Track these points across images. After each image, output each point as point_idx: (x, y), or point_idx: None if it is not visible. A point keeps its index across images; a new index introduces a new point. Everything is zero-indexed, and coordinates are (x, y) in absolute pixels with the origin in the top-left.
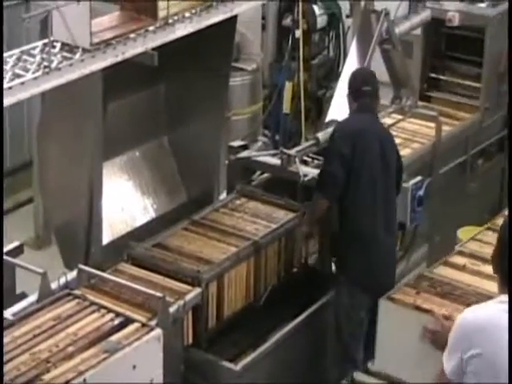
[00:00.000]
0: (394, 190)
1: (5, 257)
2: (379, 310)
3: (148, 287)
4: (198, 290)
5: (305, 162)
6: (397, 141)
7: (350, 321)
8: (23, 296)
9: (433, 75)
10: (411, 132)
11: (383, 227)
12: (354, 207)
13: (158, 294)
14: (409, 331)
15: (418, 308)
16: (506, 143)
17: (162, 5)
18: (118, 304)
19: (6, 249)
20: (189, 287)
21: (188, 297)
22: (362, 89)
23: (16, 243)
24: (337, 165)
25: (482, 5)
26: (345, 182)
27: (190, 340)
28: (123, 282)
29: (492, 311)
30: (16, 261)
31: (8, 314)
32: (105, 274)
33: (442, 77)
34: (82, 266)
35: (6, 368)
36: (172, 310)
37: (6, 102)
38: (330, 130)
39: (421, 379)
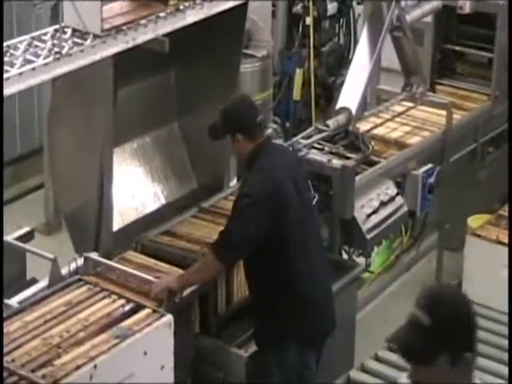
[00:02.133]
0: (314, 217)
1: (15, 242)
2: (466, 246)
3: (154, 275)
4: None
5: (313, 148)
6: (407, 128)
7: (304, 374)
8: (33, 281)
9: (443, 63)
10: (421, 120)
11: (319, 266)
12: (289, 263)
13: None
14: (493, 263)
15: (500, 242)
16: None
17: None
18: (124, 292)
19: (16, 234)
20: None
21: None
22: (257, 121)
23: (26, 229)
24: (244, 229)
25: None
26: (248, 251)
27: (198, 327)
28: (129, 270)
29: None
30: (26, 246)
31: (18, 299)
32: (111, 263)
33: (452, 64)
34: (88, 254)
35: (18, 353)
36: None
37: (17, 87)
38: (340, 117)
39: (504, 305)
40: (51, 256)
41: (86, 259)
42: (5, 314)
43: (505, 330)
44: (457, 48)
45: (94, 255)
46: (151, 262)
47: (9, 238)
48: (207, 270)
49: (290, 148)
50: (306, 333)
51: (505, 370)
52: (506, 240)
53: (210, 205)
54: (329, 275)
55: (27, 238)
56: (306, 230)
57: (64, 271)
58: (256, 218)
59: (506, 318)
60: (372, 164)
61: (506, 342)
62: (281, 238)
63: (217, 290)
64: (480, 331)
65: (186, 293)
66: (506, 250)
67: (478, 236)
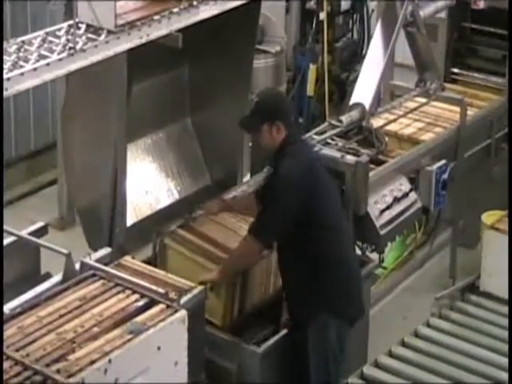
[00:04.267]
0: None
1: (29, 237)
2: (484, 239)
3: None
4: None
5: (327, 144)
6: (420, 125)
7: (338, 355)
8: (48, 276)
9: (457, 58)
10: (435, 116)
11: (350, 247)
12: (328, 237)
13: (161, 291)
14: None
15: None
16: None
17: None
18: None
19: (30, 229)
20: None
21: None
22: (289, 111)
23: (41, 223)
24: (282, 212)
25: None
26: (284, 230)
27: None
28: (126, 276)
29: None
30: (40, 241)
31: (33, 293)
32: (107, 268)
33: (466, 60)
34: (85, 260)
35: (32, 347)
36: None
37: (32, 83)
38: (354, 112)
39: None
40: (65, 251)
41: (83, 264)
42: (19, 309)
43: None
44: (471, 44)
45: (90, 259)
46: (147, 268)
47: (23, 232)
48: (247, 252)
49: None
50: (346, 310)
51: None
52: None
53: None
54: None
55: (41, 232)
56: (339, 209)
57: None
58: (292, 199)
59: None
60: (383, 162)
61: None
62: (320, 208)
63: (233, 286)
64: (502, 318)
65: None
66: None
67: (497, 229)
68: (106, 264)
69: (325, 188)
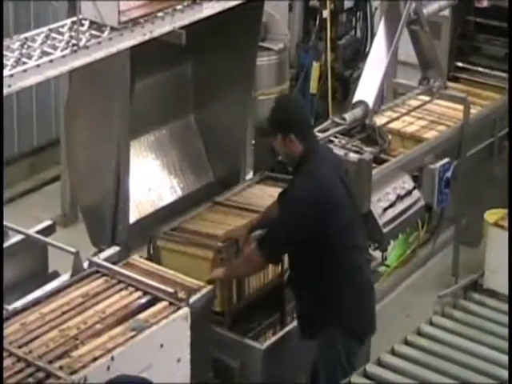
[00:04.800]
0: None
1: (37, 235)
2: (488, 235)
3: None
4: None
5: (330, 142)
6: (423, 123)
7: (347, 368)
8: (56, 275)
9: (461, 56)
10: (438, 114)
11: (366, 264)
12: (345, 256)
13: (170, 290)
14: None
15: None
16: None
17: None
18: None
19: (37, 227)
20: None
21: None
22: (310, 121)
23: (48, 222)
24: (291, 232)
25: None
26: (290, 249)
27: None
28: (134, 275)
29: None
30: (48, 239)
31: (41, 292)
32: (116, 267)
33: (469, 58)
34: (93, 259)
35: (35, 344)
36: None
37: (35, 79)
38: (357, 110)
39: None
40: (73, 250)
41: (91, 263)
42: (22, 306)
43: None
44: (474, 41)
45: (98, 258)
46: (155, 267)
47: (30, 231)
48: (250, 263)
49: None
50: (355, 328)
51: None
52: None
53: (225, 198)
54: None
55: (49, 231)
56: (356, 223)
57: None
58: (299, 222)
59: None
60: (385, 160)
61: None
62: (336, 231)
63: (230, 282)
64: (506, 317)
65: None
66: None
67: (501, 227)
68: (114, 263)
69: (338, 209)
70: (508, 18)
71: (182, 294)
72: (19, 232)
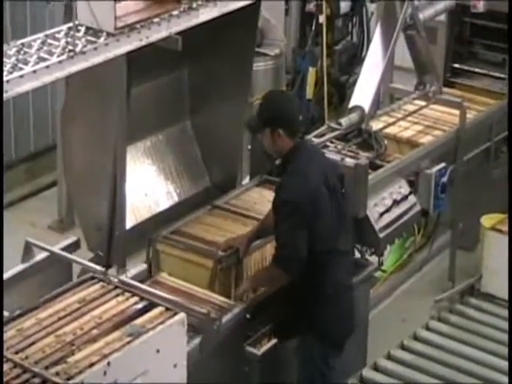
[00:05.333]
0: (347, 216)
1: (62, 252)
2: (485, 240)
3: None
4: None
5: (326, 147)
6: (419, 128)
7: (326, 372)
8: None
9: (457, 61)
10: (434, 119)
11: (345, 268)
12: (320, 261)
13: (203, 310)
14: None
15: None
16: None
17: None
18: None
19: (62, 244)
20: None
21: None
22: (300, 119)
23: (73, 238)
24: (299, 236)
25: None
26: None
27: None
28: (164, 295)
29: None
30: (73, 257)
31: None
32: (144, 286)
33: (466, 63)
34: (121, 277)
35: (32, 350)
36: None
37: (31, 85)
38: (353, 115)
39: None
40: (101, 268)
41: (120, 282)
42: (19, 311)
43: None
44: (470, 46)
45: (126, 276)
46: (182, 284)
47: (55, 248)
48: (275, 282)
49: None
50: (332, 332)
51: None
52: None
53: (223, 202)
54: (352, 276)
55: (73, 247)
56: (338, 227)
57: None
58: (301, 222)
59: None
60: (380, 166)
61: None
62: (314, 235)
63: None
64: (502, 321)
65: None
66: None
67: (499, 231)
68: (141, 281)
69: (320, 212)
70: (508, 20)
71: (213, 314)
72: (44, 249)
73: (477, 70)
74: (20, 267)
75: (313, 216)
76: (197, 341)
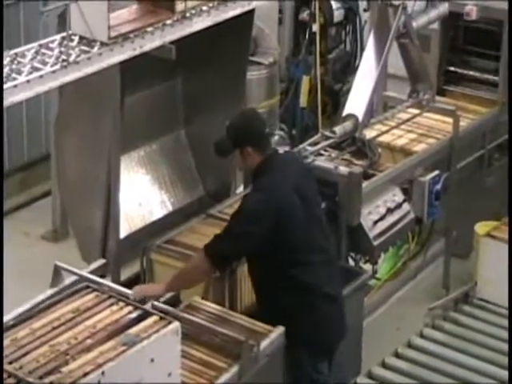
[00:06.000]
0: (323, 224)
1: (90, 276)
2: (480, 246)
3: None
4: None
5: (320, 155)
6: (413, 136)
7: (316, 378)
8: None
9: (450, 69)
10: (428, 127)
11: (327, 274)
12: (296, 271)
13: (241, 338)
14: (507, 264)
15: None
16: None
17: None
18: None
19: (91, 267)
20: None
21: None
22: (266, 133)
23: (102, 261)
24: (240, 241)
25: None
26: (238, 260)
27: None
28: (200, 321)
29: None
30: (102, 280)
31: None
32: (177, 311)
33: (459, 71)
34: (154, 302)
35: (26, 359)
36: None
37: (25, 95)
38: (347, 123)
39: None
40: (130, 292)
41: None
42: (13, 321)
43: None
44: (463, 54)
45: (159, 301)
46: (217, 308)
47: (84, 272)
48: (196, 269)
49: (298, 155)
50: (317, 339)
51: None
52: None
53: (217, 211)
54: (338, 282)
55: (102, 270)
56: (313, 239)
57: None
58: (248, 235)
59: None
60: (373, 175)
61: None
62: (285, 248)
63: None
64: (496, 329)
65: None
66: None
67: (493, 237)
68: (173, 305)
69: (289, 225)
70: (508, 22)
71: (251, 341)
72: (73, 273)
73: (470, 77)
74: (49, 292)
75: (281, 228)
76: (235, 368)
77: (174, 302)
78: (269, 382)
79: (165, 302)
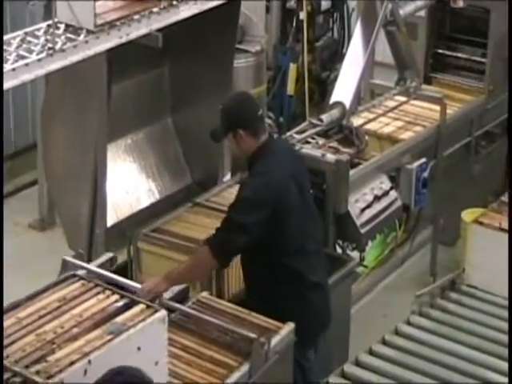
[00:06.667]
0: (315, 212)
1: (98, 270)
2: (467, 233)
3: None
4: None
5: (307, 143)
6: (400, 123)
7: (305, 364)
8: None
9: (437, 57)
10: (414, 114)
11: (317, 263)
12: (288, 259)
13: (252, 335)
14: (494, 250)
15: (502, 230)
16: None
17: None
18: (203, 345)
19: (99, 261)
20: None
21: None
22: (258, 114)
23: (109, 255)
24: (242, 232)
25: None
26: (243, 250)
27: None
28: (210, 318)
29: None
30: (111, 274)
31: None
32: (185, 308)
33: (446, 59)
34: (164, 300)
35: (12, 349)
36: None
37: (10, 83)
38: (334, 111)
39: (506, 290)
40: (138, 285)
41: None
42: None
43: (507, 314)
44: (451, 42)
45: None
46: (225, 305)
47: (91, 266)
48: (203, 267)
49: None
50: (306, 327)
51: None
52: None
53: (204, 199)
54: (325, 271)
55: (110, 263)
56: (306, 227)
57: None
58: (252, 224)
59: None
60: (363, 160)
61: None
62: (280, 236)
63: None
64: (483, 316)
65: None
66: (508, 236)
67: (481, 223)
68: (181, 302)
69: (286, 212)
70: (508, 19)
71: (262, 339)
72: (81, 267)
73: (457, 65)
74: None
75: (278, 214)
76: (246, 367)
77: (182, 297)
78: (279, 378)
79: (172, 299)
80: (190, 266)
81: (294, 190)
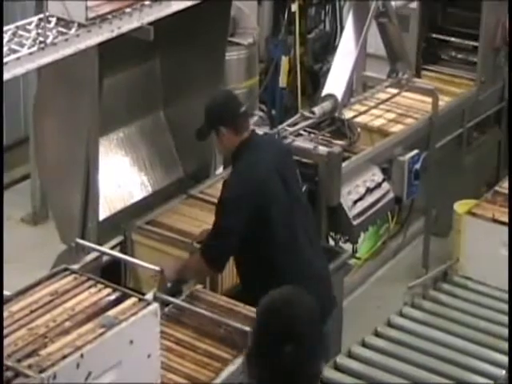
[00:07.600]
0: (304, 204)
1: (112, 252)
2: (461, 224)
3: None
4: None
5: (299, 135)
6: (392, 116)
7: None
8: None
9: (429, 48)
10: (407, 106)
11: (310, 253)
12: (276, 253)
13: (246, 328)
14: (488, 241)
15: (496, 221)
16: (502, 117)
17: None
18: (197, 338)
19: (111, 243)
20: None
21: None
22: (240, 112)
23: (121, 237)
24: (231, 233)
25: None
26: (234, 252)
27: None
28: (204, 311)
29: None
30: (126, 257)
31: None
32: (182, 303)
33: (438, 50)
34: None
35: (4, 343)
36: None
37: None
38: (326, 104)
39: (501, 282)
40: (157, 268)
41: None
42: None
43: (502, 306)
44: (442, 34)
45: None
46: (220, 298)
47: (104, 248)
48: (196, 273)
49: (277, 136)
50: None
51: (505, 344)
52: (502, 218)
53: (198, 191)
54: (323, 262)
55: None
56: (294, 219)
57: None
58: (237, 223)
59: (502, 295)
60: (356, 152)
61: (504, 318)
62: (266, 231)
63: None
64: (475, 307)
65: None
66: (501, 228)
67: (474, 215)
68: (174, 295)
69: (271, 206)
70: (508, 21)
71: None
72: (94, 249)
73: (449, 57)
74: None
75: (261, 208)
76: (240, 360)
77: (176, 290)
78: None
79: (165, 292)
80: (185, 268)
81: (279, 184)
